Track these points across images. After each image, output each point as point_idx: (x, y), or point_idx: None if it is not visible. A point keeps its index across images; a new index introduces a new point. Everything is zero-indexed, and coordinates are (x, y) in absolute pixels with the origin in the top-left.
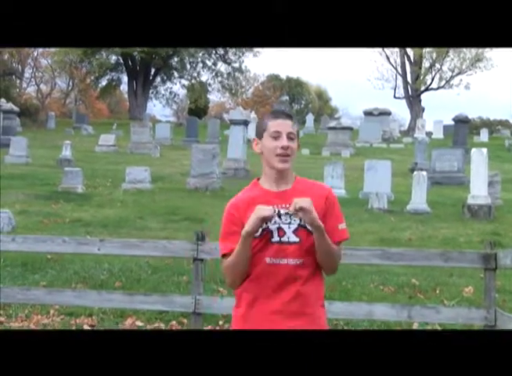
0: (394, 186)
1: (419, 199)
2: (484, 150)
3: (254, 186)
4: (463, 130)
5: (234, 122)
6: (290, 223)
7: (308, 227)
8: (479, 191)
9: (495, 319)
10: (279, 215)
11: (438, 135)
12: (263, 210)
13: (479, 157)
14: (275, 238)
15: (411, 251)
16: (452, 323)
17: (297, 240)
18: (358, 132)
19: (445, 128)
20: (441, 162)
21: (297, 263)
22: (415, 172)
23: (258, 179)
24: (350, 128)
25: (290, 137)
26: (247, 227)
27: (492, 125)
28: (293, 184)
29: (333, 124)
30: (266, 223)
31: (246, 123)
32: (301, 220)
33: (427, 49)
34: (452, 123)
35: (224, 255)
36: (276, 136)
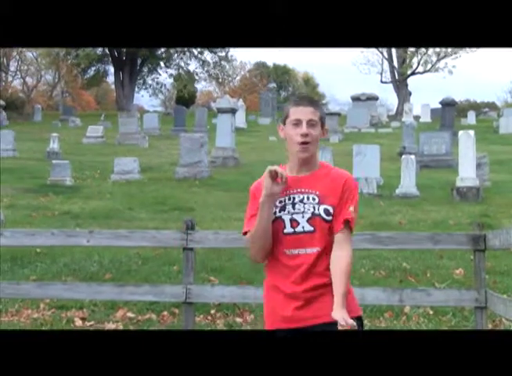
0: (383, 170)
1: (408, 183)
2: (472, 132)
3: None
4: (450, 113)
5: (221, 110)
6: (303, 212)
7: (322, 215)
8: (467, 173)
9: (486, 301)
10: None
11: (426, 118)
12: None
13: (467, 140)
14: (289, 229)
15: (401, 235)
16: (443, 305)
17: (311, 229)
18: (346, 118)
19: (433, 111)
20: (429, 145)
21: (313, 252)
22: (403, 156)
23: (284, 164)
24: (338, 114)
25: (310, 124)
26: (263, 191)
27: (479, 108)
28: (314, 171)
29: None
30: (280, 212)
31: (233, 111)
32: (314, 208)
33: None
34: (440, 106)
35: (245, 234)
36: (297, 123)
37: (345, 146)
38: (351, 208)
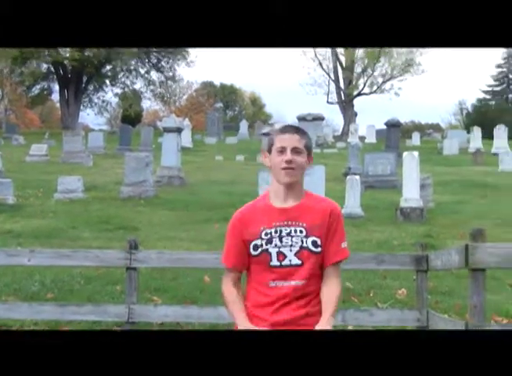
0: (328, 190)
1: (352, 203)
2: (416, 153)
3: (263, 198)
4: (395, 134)
5: (167, 130)
6: (291, 246)
7: (311, 247)
8: (411, 194)
9: (428, 320)
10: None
11: (371, 139)
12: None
13: (411, 161)
14: (275, 262)
15: None
16: (386, 325)
17: (299, 262)
18: None
19: (378, 132)
20: (374, 166)
21: (299, 285)
22: (348, 177)
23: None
24: None
25: (296, 151)
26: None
27: (423, 129)
28: (300, 201)
29: (267, 130)
30: (266, 245)
31: (179, 130)
32: (302, 241)
33: (359, 55)
34: (385, 127)
35: (226, 267)
36: (282, 151)
37: None
38: (345, 244)
